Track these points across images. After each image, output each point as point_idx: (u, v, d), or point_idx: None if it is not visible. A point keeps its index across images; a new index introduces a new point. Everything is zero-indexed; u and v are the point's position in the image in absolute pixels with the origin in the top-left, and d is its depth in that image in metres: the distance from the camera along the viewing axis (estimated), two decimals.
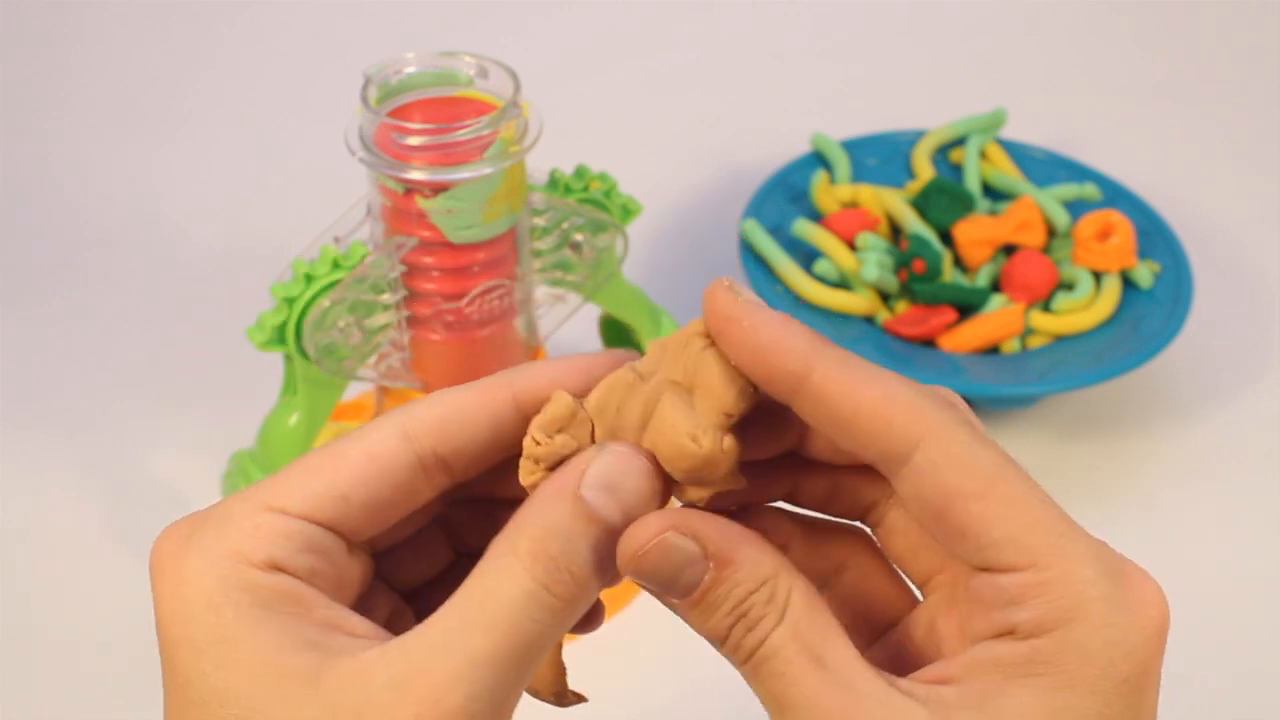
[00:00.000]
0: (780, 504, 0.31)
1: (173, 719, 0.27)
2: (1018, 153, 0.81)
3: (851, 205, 0.76)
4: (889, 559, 0.30)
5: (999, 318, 0.69)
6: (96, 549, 0.62)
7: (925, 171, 0.78)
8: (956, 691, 0.26)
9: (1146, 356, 0.66)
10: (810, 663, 0.26)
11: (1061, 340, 0.69)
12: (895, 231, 0.75)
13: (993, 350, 0.69)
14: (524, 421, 0.29)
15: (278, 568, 0.27)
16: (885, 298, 0.71)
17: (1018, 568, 0.26)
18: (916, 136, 0.81)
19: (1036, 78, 0.99)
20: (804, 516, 0.31)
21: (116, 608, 0.59)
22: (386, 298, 0.52)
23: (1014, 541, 0.26)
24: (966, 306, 0.70)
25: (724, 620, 0.26)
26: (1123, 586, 0.26)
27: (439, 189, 0.49)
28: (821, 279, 0.71)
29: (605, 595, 0.29)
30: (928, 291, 0.69)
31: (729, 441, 0.27)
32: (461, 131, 0.48)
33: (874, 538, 0.31)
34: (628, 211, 0.58)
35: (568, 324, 0.59)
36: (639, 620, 0.56)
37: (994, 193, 0.78)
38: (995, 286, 0.72)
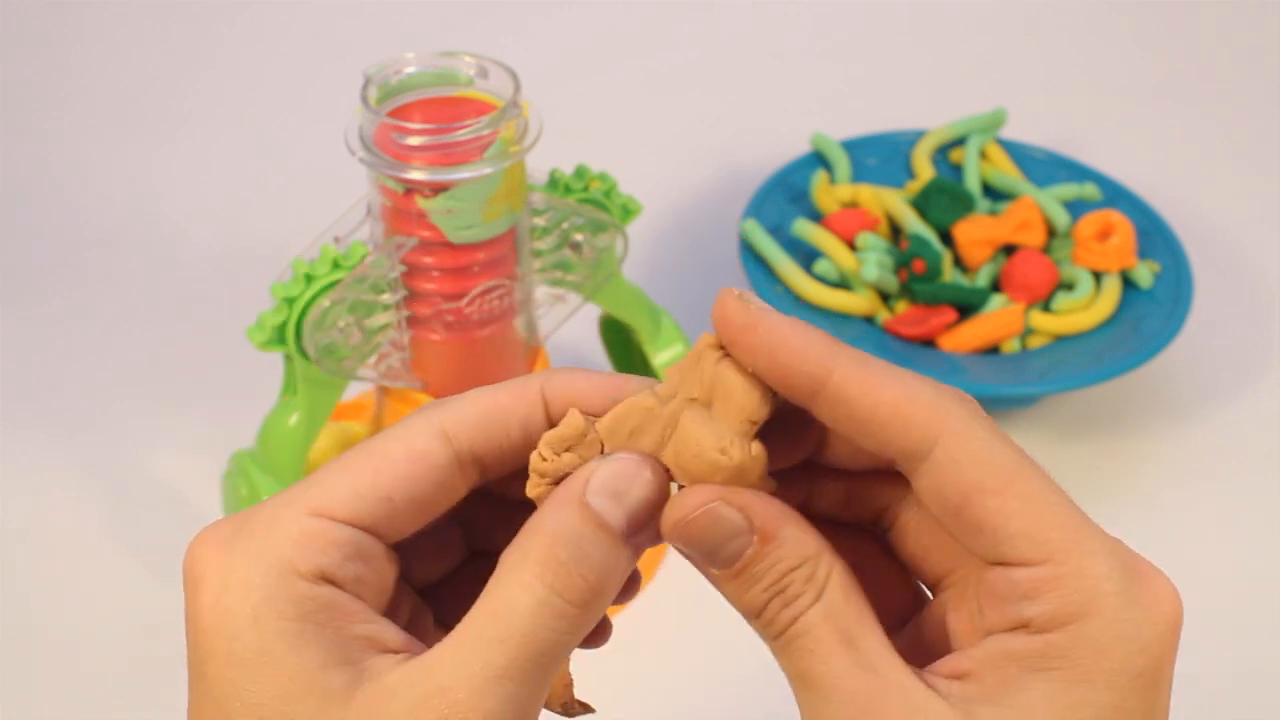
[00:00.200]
0: None
1: None
2: (1018, 153, 0.81)
3: (851, 205, 0.76)
4: (901, 561, 0.31)
5: (999, 318, 0.69)
6: (96, 549, 0.62)
7: (925, 171, 0.78)
8: (975, 685, 0.26)
9: (1146, 356, 0.66)
10: (841, 643, 0.26)
11: (1061, 340, 0.70)
12: (895, 231, 0.75)
13: (993, 350, 0.69)
14: (551, 424, 0.29)
15: (324, 578, 0.27)
16: (885, 298, 0.71)
17: (1033, 562, 0.26)
18: (916, 136, 0.81)
19: (1036, 78, 0.99)
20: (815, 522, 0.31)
21: (116, 608, 0.59)
22: (386, 298, 0.52)
23: (1030, 536, 0.26)
24: (966, 306, 0.70)
25: (761, 595, 0.27)
26: (1136, 583, 0.26)
27: (439, 189, 0.49)
28: (821, 279, 0.71)
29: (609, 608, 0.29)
30: (928, 291, 0.69)
31: (756, 448, 0.27)
32: (461, 131, 0.48)
33: (886, 541, 0.31)
34: (628, 211, 0.58)
35: (568, 324, 0.59)
36: (630, 628, 0.55)
37: (994, 193, 0.78)
38: (995, 286, 0.72)
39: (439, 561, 0.32)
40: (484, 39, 0.75)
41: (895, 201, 0.75)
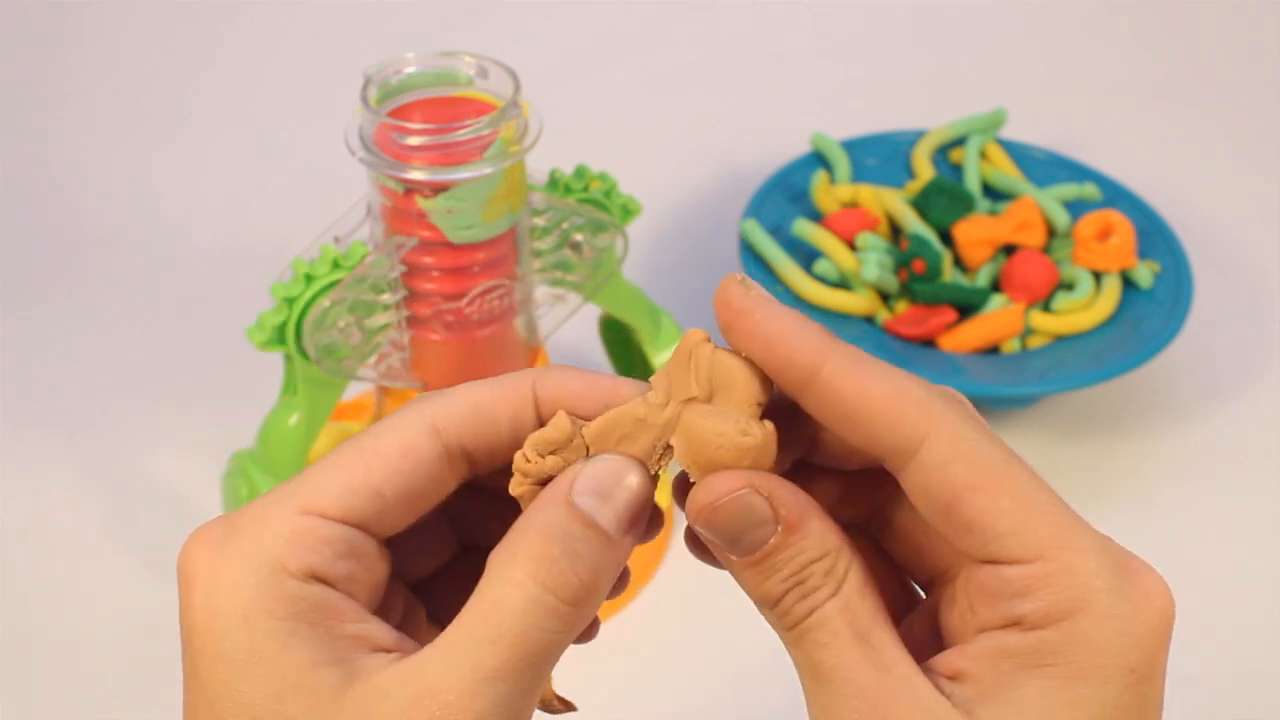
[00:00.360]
0: None
1: None
2: (1018, 153, 0.81)
3: (851, 205, 0.76)
4: (894, 560, 0.31)
5: (999, 318, 0.69)
6: (96, 549, 0.62)
7: (925, 171, 0.78)
8: (973, 683, 0.26)
9: (1146, 356, 0.66)
10: (855, 638, 0.26)
11: (1061, 340, 0.70)
12: (895, 231, 0.75)
13: (993, 350, 0.69)
14: (540, 423, 0.29)
15: (315, 576, 0.27)
16: (885, 298, 0.71)
17: (1023, 560, 0.26)
18: (916, 136, 0.81)
19: (1036, 78, 0.99)
20: None
21: (116, 608, 0.59)
22: (386, 298, 0.52)
23: (1020, 534, 0.26)
24: (966, 306, 0.70)
25: (780, 585, 0.27)
26: (1127, 579, 0.26)
27: (439, 189, 0.49)
28: (821, 279, 0.71)
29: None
30: (928, 291, 0.69)
31: (769, 425, 0.27)
32: (461, 131, 0.48)
33: (879, 540, 0.31)
34: (628, 211, 0.58)
35: (568, 324, 0.59)
36: (629, 628, 0.56)
37: (994, 193, 0.78)
38: (995, 286, 0.72)
39: (431, 557, 0.32)
40: (484, 39, 0.75)
41: (895, 201, 0.75)
